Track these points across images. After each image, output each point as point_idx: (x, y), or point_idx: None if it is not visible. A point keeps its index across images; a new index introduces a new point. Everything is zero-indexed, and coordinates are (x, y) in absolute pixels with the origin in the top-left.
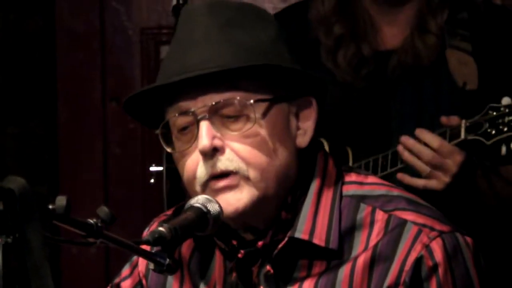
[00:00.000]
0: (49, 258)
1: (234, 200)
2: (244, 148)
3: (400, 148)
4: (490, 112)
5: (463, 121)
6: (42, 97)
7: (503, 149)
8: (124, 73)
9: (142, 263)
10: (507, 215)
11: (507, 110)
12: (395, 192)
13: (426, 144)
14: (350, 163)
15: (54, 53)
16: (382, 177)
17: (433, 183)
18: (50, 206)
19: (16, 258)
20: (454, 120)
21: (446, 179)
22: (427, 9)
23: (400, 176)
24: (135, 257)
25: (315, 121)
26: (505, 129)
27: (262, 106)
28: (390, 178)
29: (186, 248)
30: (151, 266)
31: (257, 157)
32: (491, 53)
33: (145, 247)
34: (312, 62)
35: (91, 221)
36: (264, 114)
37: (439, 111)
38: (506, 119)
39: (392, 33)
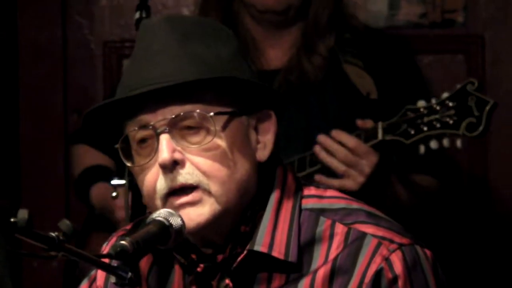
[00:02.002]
0: (10, 271)
1: (195, 215)
2: (204, 162)
3: (317, 148)
4: (408, 113)
5: (380, 123)
6: (3, 109)
7: (422, 148)
8: (86, 86)
9: (100, 277)
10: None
11: (425, 111)
12: (355, 205)
13: (342, 145)
14: None
15: (16, 65)
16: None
17: (348, 183)
18: (12, 219)
19: None
20: (368, 123)
21: (361, 179)
22: (314, 32)
23: (318, 177)
24: (93, 272)
25: (274, 135)
26: (425, 128)
27: (222, 119)
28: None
29: (144, 262)
30: (113, 280)
31: (217, 170)
32: (378, 68)
33: (107, 260)
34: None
35: (53, 234)
36: (224, 127)
37: (327, 124)
38: (425, 119)
39: (276, 54)
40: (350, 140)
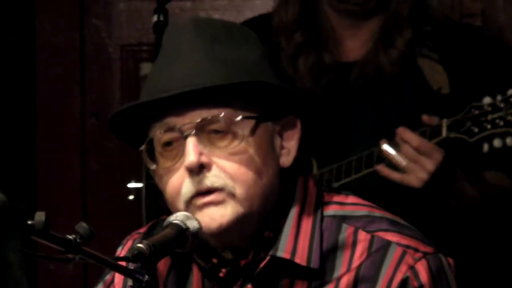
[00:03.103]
0: (27, 273)
1: (218, 215)
2: (231, 165)
3: (382, 142)
4: (472, 110)
5: (445, 120)
6: (20, 112)
7: (485, 147)
8: (103, 89)
9: (118, 282)
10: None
11: (490, 109)
12: (377, 213)
13: (406, 143)
14: (315, 171)
15: (34, 68)
16: (353, 180)
17: (410, 179)
18: (29, 222)
19: None
20: (434, 119)
21: (424, 176)
22: (393, 25)
23: (380, 167)
24: (108, 276)
25: (298, 141)
26: (489, 126)
27: (249, 123)
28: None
29: (163, 265)
30: (130, 282)
31: (243, 174)
32: (455, 62)
33: (124, 263)
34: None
35: (70, 237)
36: (251, 132)
37: (401, 118)
38: (489, 117)
39: (354, 46)
40: (414, 138)
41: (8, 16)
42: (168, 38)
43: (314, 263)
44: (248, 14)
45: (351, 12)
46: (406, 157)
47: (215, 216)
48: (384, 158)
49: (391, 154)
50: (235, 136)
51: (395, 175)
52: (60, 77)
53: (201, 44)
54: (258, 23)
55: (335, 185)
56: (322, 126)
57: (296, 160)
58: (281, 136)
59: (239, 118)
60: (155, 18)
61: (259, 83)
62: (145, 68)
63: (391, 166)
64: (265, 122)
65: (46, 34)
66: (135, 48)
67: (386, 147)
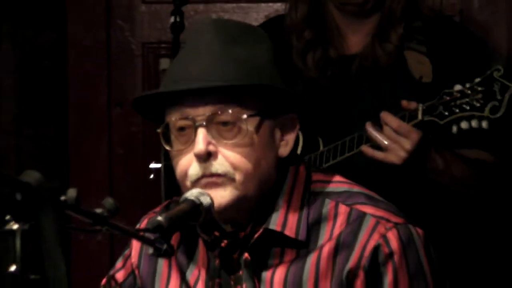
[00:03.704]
0: (61, 243)
1: (218, 196)
2: (234, 156)
3: (368, 124)
4: (444, 97)
5: (420, 105)
6: (54, 103)
7: (454, 128)
8: (127, 82)
9: (134, 255)
10: (457, 196)
11: (459, 95)
12: (355, 189)
13: (387, 125)
14: (321, 149)
15: (65, 64)
16: (347, 158)
17: (391, 157)
18: (62, 198)
19: (32, 243)
20: (413, 104)
21: (403, 154)
22: (387, 22)
23: (365, 148)
24: (126, 251)
25: (295, 135)
26: (457, 110)
27: (254, 120)
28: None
29: (173, 239)
30: (150, 251)
31: (244, 164)
32: (441, 54)
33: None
34: (285, 63)
35: (98, 211)
36: (255, 128)
37: (394, 105)
38: (458, 102)
39: (355, 40)
40: (394, 121)
41: (44, 18)
42: (190, 35)
43: (302, 236)
44: (254, 15)
45: (352, 12)
46: (387, 137)
47: (216, 196)
48: (369, 139)
49: (374, 135)
50: (240, 130)
51: (378, 154)
52: (88, 72)
53: (218, 44)
54: (273, 24)
55: (333, 161)
56: (326, 111)
57: (293, 150)
58: (281, 129)
59: (245, 116)
60: (172, 19)
61: (265, 87)
62: (164, 63)
63: (375, 146)
64: (267, 119)
65: (76, 34)
66: (155, 45)
67: (370, 129)
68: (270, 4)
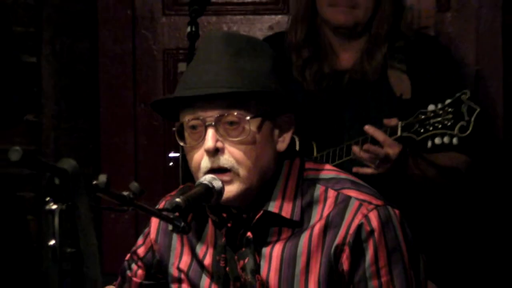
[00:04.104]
0: (93, 221)
1: (226, 191)
2: (238, 152)
3: (356, 149)
4: (420, 116)
5: (400, 122)
6: (88, 101)
7: (429, 143)
8: (150, 83)
9: (153, 232)
10: (431, 190)
11: (432, 114)
12: (342, 175)
13: (372, 138)
14: (315, 154)
15: (97, 68)
16: (338, 165)
17: (371, 169)
18: (94, 182)
19: (68, 221)
20: (394, 121)
21: (388, 165)
22: (374, 42)
23: (356, 169)
24: (146, 230)
25: (292, 132)
26: (431, 128)
27: (256, 121)
28: (341, 165)
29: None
30: (170, 228)
31: (247, 159)
32: (419, 72)
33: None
34: (286, 76)
35: (125, 193)
36: (257, 128)
37: (379, 115)
38: (431, 120)
39: (346, 57)
40: (380, 134)
41: (79, 28)
42: (203, 45)
43: (296, 217)
44: (258, 25)
45: (344, 34)
46: (369, 150)
47: (224, 192)
48: (354, 151)
49: (362, 156)
50: (244, 129)
51: (368, 171)
52: (117, 74)
53: (226, 56)
54: (276, 40)
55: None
56: (320, 118)
57: (290, 146)
58: (279, 128)
59: (248, 117)
60: (188, 29)
61: (265, 92)
62: (181, 67)
63: (359, 158)
64: (268, 120)
65: (106, 42)
66: (174, 51)
67: (357, 151)
68: (272, 16)
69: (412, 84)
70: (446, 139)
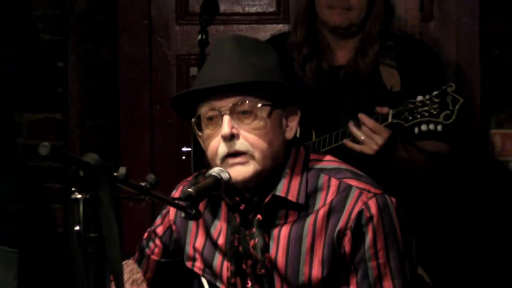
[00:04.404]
0: (114, 209)
1: (243, 172)
2: (252, 137)
3: (350, 122)
4: (409, 105)
5: (391, 110)
6: (109, 101)
7: (416, 130)
8: (164, 85)
9: (172, 213)
10: (418, 176)
11: (420, 104)
12: (343, 166)
13: (364, 124)
14: (314, 139)
15: (117, 72)
16: (333, 148)
17: (366, 149)
18: (115, 174)
19: (92, 209)
20: (385, 109)
21: (375, 147)
22: (366, 41)
23: (346, 141)
24: (164, 211)
25: (298, 122)
26: (418, 116)
27: (266, 109)
28: (335, 149)
29: (201, 204)
30: (183, 215)
31: (260, 143)
32: (408, 68)
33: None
34: (288, 72)
35: (142, 184)
36: (267, 115)
37: (372, 106)
38: (419, 109)
39: (342, 55)
40: (369, 121)
41: (101, 36)
42: (214, 47)
43: (301, 200)
44: (262, 33)
45: (340, 33)
46: (364, 134)
47: (241, 172)
48: (350, 134)
49: (354, 131)
50: (256, 116)
51: (356, 146)
52: (135, 78)
53: (236, 53)
54: (279, 40)
55: (323, 149)
56: (319, 109)
57: (296, 135)
58: (286, 118)
59: (259, 105)
60: (199, 36)
61: (273, 83)
62: (193, 71)
63: (354, 140)
64: (276, 109)
65: (126, 48)
66: (186, 57)
67: (351, 126)
68: (274, 25)
69: (401, 78)
70: (431, 126)
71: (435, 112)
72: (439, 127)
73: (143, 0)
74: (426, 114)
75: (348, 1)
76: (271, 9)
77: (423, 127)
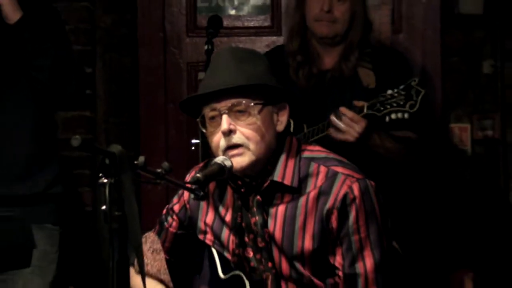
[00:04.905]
0: (134, 191)
1: (241, 161)
2: (247, 131)
3: (332, 114)
4: (380, 98)
5: (366, 103)
6: (130, 101)
7: (387, 118)
8: (177, 88)
9: (186, 194)
10: (392, 161)
11: (389, 97)
12: (331, 155)
13: (345, 115)
14: (305, 131)
15: (137, 77)
16: (320, 138)
17: (346, 137)
18: (135, 162)
19: (116, 191)
20: (361, 102)
21: (355, 134)
22: (349, 49)
23: (329, 131)
24: (180, 191)
25: (287, 117)
26: (388, 106)
27: (258, 107)
28: (322, 140)
29: (211, 186)
30: (192, 196)
31: (254, 136)
32: (382, 69)
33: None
34: (285, 76)
35: (158, 170)
36: (259, 112)
37: (352, 101)
38: (389, 101)
39: (329, 60)
40: (349, 112)
41: (123, 47)
42: (214, 58)
43: (295, 184)
44: (258, 44)
45: (326, 43)
46: (344, 124)
47: (239, 161)
48: (333, 124)
49: (336, 122)
50: (250, 114)
51: (339, 135)
52: (152, 81)
53: (232, 62)
54: (278, 51)
55: (312, 139)
56: (309, 106)
57: (286, 127)
58: (277, 114)
59: (252, 104)
60: (206, 47)
61: (262, 85)
62: (200, 75)
63: (337, 129)
64: (267, 106)
65: (144, 57)
66: (195, 64)
67: (333, 118)
68: (269, 37)
69: (376, 78)
70: (399, 115)
71: (402, 103)
72: (406, 115)
73: (158, 16)
74: (395, 105)
75: (333, 15)
76: (266, 24)
77: (393, 116)
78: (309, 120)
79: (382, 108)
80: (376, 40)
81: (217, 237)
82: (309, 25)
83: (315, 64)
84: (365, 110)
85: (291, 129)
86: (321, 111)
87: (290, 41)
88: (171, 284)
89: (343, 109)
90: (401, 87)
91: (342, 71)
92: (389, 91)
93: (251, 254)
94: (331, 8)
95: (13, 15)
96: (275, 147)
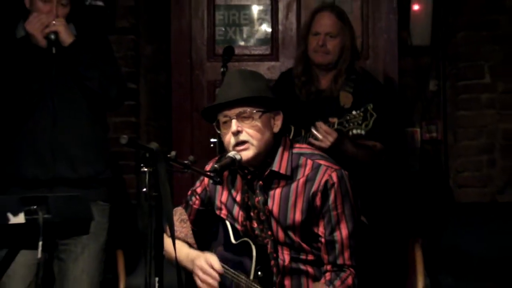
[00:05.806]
0: (167, 177)
1: (246, 154)
2: (251, 131)
3: (312, 127)
4: (347, 116)
5: (336, 120)
6: (165, 110)
7: (350, 133)
8: (199, 100)
9: (206, 180)
10: (360, 163)
11: (353, 116)
12: (316, 152)
13: (321, 128)
14: (302, 134)
15: (170, 91)
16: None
17: (322, 145)
18: (168, 155)
19: (154, 178)
20: (334, 119)
21: (328, 143)
22: (338, 74)
23: (309, 139)
24: (202, 177)
25: (282, 121)
26: (351, 124)
27: (259, 113)
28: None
29: (225, 174)
30: (211, 181)
31: (257, 135)
32: (360, 93)
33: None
34: (291, 91)
35: (186, 161)
36: (260, 117)
37: (330, 116)
38: (352, 120)
39: (324, 82)
40: (324, 126)
41: (160, 68)
42: (226, 76)
43: (288, 173)
44: (262, 67)
45: (323, 68)
46: (321, 134)
47: (245, 154)
48: (312, 135)
49: (314, 133)
50: (253, 119)
51: (315, 142)
52: (182, 95)
53: (239, 80)
54: (287, 74)
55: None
56: (307, 117)
57: (281, 129)
58: (273, 118)
59: (255, 111)
60: (221, 69)
61: (262, 97)
62: (217, 91)
63: (315, 138)
64: (266, 113)
65: (176, 76)
66: (213, 82)
67: (313, 130)
68: (270, 62)
69: (353, 100)
70: (358, 131)
71: (360, 122)
72: (363, 132)
73: (186, 47)
74: (355, 123)
75: (326, 48)
76: (267, 52)
77: (354, 131)
78: (306, 127)
79: (347, 125)
80: (359, 67)
81: (229, 212)
82: (310, 54)
83: (314, 85)
84: (335, 126)
85: (292, 134)
86: (316, 120)
87: (296, 66)
88: (195, 246)
89: (319, 124)
90: (362, 109)
91: (332, 91)
92: (354, 112)
93: (255, 225)
94: (325, 43)
95: (67, 39)
96: (272, 144)
